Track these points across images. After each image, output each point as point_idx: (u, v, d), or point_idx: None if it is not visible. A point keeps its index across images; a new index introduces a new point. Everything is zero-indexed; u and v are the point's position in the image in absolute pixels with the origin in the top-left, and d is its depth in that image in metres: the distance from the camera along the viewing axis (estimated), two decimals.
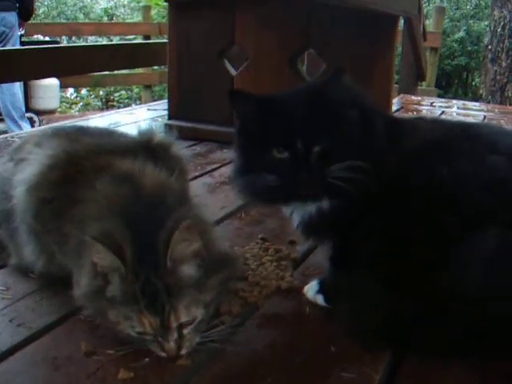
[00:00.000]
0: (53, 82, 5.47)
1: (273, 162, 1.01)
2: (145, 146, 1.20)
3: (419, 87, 5.02)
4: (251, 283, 1.21)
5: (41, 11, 10.55)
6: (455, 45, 9.09)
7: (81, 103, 8.88)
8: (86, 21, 10.49)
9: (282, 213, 1.20)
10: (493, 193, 0.96)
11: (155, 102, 4.36)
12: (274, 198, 1.10)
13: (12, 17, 4.55)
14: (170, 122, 2.67)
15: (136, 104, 8.08)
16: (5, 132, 4.06)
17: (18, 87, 4.84)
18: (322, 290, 1.14)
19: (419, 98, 4.37)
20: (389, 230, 1.01)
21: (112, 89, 8.90)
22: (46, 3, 11.01)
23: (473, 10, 9.90)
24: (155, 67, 6.85)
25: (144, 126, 1.33)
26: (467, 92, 9.36)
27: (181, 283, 0.90)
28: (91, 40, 9.13)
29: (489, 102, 6.05)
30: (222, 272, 0.96)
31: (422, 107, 3.96)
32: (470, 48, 9.20)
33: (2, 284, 1.19)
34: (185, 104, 2.65)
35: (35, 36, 6.66)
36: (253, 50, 2.48)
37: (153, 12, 8.33)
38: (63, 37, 8.31)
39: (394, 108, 3.61)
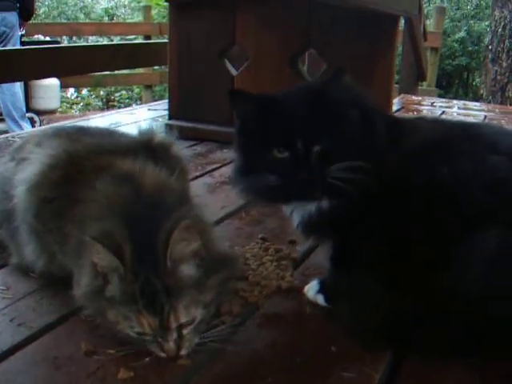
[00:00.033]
0: (53, 82, 5.47)
1: (273, 162, 1.01)
2: (145, 146, 1.21)
3: (420, 87, 5.02)
4: (251, 283, 1.21)
5: (41, 11, 10.56)
6: (456, 45, 9.08)
7: (81, 103, 8.89)
8: (87, 21, 10.49)
9: (282, 212, 1.20)
10: (493, 193, 0.96)
11: (156, 102, 4.36)
12: (274, 198, 1.10)
13: (12, 17, 4.55)
14: (170, 121, 2.67)
15: (137, 104, 8.09)
16: (5, 132, 4.06)
17: (18, 87, 4.84)
18: (322, 289, 1.14)
19: (420, 98, 4.37)
20: (389, 230, 1.01)
21: (113, 89, 8.91)
22: (46, 3, 11.02)
23: (473, 10, 9.90)
24: (156, 67, 6.85)
25: (144, 125, 1.33)
26: (468, 92, 9.36)
27: (180, 283, 0.90)
28: (92, 40, 9.13)
29: (489, 102, 6.05)
30: (222, 272, 0.96)
31: (423, 107, 3.96)
32: (470, 48, 9.20)
33: (3, 283, 1.20)
34: (185, 104, 2.65)
35: (36, 36, 6.66)
36: (253, 49, 2.48)
37: (153, 12, 8.33)
38: (64, 37, 8.32)
39: (395, 108, 3.61)
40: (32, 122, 5.23)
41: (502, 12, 6.37)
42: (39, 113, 5.49)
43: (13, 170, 1.21)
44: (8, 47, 4.33)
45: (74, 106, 8.70)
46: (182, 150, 1.32)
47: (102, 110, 8.28)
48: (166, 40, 2.97)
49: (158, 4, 8.65)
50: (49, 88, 5.47)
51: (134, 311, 0.88)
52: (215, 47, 2.54)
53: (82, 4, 11.46)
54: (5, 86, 4.60)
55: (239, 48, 2.57)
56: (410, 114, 3.49)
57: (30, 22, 5.35)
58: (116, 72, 6.72)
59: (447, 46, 8.80)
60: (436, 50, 5.78)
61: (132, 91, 9.12)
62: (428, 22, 5.96)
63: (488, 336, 0.93)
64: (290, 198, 1.07)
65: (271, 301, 1.16)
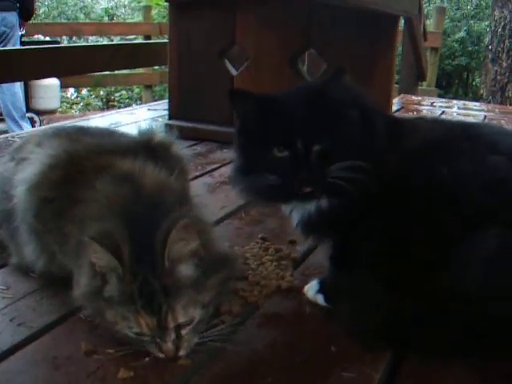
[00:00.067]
0: (53, 81, 5.47)
1: (273, 162, 1.01)
2: (145, 146, 1.20)
3: (419, 87, 5.02)
4: (251, 283, 1.21)
5: (41, 11, 10.56)
6: (456, 45, 9.08)
7: (81, 103, 8.89)
8: (87, 21, 10.49)
9: (282, 212, 1.20)
10: (493, 193, 0.96)
11: (156, 102, 4.36)
12: (274, 197, 1.10)
13: (12, 17, 4.56)
14: (170, 121, 2.67)
15: (136, 104, 8.09)
16: (5, 132, 4.06)
17: (18, 87, 4.84)
18: (322, 289, 1.14)
19: (419, 98, 4.37)
20: (389, 230, 1.01)
21: (112, 89, 8.91)
22: (46, 3, 11.02)
23: (473, 10, 9.90)
24: (156, 67, 6.85)
25: (144, 125, 1.33)
26: (468, 92, 9.36)
27: (179, 283, 0.89)
28: (92, 40, 9.13)
29: (489, 102, 6.05)
30: (221, 272, 0.96)
31: (423, 107, 3.96)
32: (470, 48, 9.20)
33: (3, 283, 1.20)
34: (185, 104, 2.65)
35: (36, 36, 6.66)
36: (253, 49, 2.48)
37: (153, 12, 8.33)
38: (64, 37, 8.32)
39: (395, 108, 3.61)
40: (32, 122, 5.23)
41: (502, 12, 6.37)
42: (39, 113, 5.49)
43: (13, 169, 1.21)
44: (8, 47, 4.33)
45: (74, 106, 8.70)
46: (182, 149, 1.32)
47: (102, 110, 8.28)
48: (166, 40, 2.97)
49: (157, 4, 8.65)
50: (49, 88, 5.47)
51: (132, 311, 0.88)
52: (215, 47, 2.55)
53: (81, 4, 11.46)
54: (5, 85, 4.60)
55: (239, 48, 2.57)
56: (410, 114, 3.49)
57: (30, 22, 5.36)
58: (116, 72, 6.72)
59: (447, 46, 8.80)
60: (436, 50, 5.78)
61: (132, 91, 9.12)
62: (428, 22, 5.96)
63: (488, 336, 0.93)
64: (289, 197, 1.07)
65: (271, 301, 1.16)
